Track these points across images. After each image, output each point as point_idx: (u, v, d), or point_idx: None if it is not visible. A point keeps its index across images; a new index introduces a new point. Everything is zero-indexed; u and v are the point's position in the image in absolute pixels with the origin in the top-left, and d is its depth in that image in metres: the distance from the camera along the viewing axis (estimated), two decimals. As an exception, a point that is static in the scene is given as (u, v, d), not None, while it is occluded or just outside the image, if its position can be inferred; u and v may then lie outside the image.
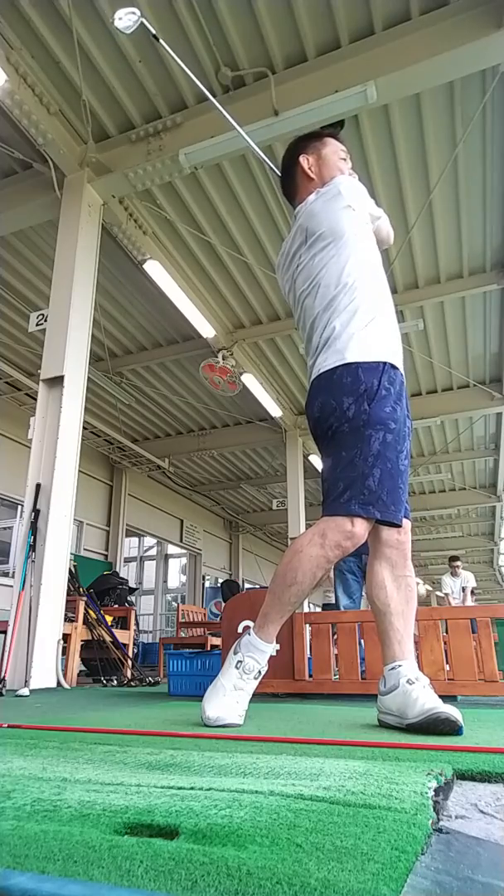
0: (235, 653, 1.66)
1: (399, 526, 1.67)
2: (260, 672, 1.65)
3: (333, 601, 6.63)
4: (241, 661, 1.64)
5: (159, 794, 0.78)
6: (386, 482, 1.59)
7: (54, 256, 4.70)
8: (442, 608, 3.54)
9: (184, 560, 14.69)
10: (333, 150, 2.03)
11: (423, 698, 1.50)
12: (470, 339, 7.59)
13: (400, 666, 1.62)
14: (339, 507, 1.60)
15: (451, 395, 8.93)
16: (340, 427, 1.65)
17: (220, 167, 5.05)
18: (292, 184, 2.04)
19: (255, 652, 1.64)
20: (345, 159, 2.03)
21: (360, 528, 1.59)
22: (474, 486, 12.87)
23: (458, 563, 9.51)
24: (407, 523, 1.74)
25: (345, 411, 1.63)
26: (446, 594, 9.30)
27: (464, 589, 9.22)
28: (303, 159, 2.00)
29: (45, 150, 4.61)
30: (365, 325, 1.70)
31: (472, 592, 9.39)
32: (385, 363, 1.67)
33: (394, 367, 1.69)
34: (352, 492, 1.59)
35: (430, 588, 9.58)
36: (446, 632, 2.79)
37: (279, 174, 2.10)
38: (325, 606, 6.79)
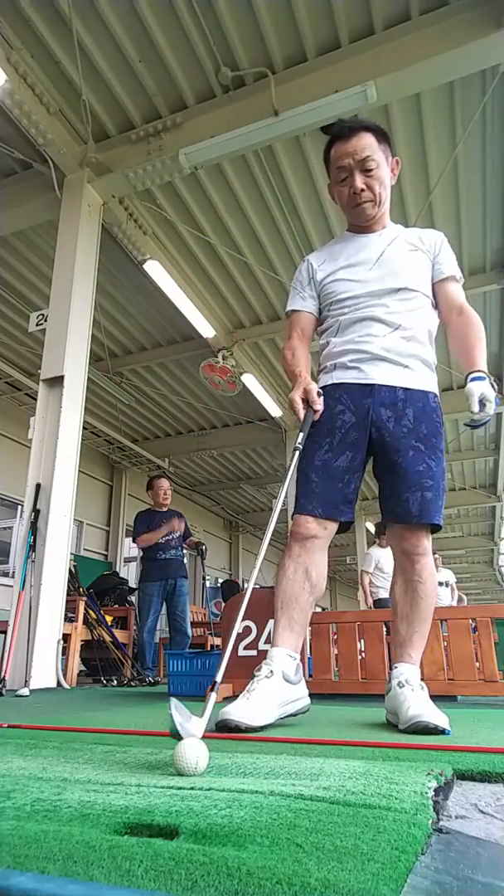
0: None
1: (304, 514, 1.80)
2: (271, 672, 1.66)
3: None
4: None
5: (159, 794, 0.78)
6: (300, 487, 1.84)
7: (54, 256, 4.70)
8: (442, 608, 3.53)
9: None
10: (332, 170, 1.91)
11: (408, 703, 1.55)
12: (470, 339, 7.58)
13: (395, 668, 1.71)
14: None
15: (450, 396, 8.88)
16: None
17: (220, 167, 5.05)
18: None
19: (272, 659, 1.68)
20: (344, 179, 1.87)
21: (295, 523, 1.82)
22: (474, 486, 12.87)
23: (437, 556, 9.49)
24: (417, 532, 1.75)
25: None
26: None
27: (447, 584, 9.18)
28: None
29: (45, 150, 4.61)
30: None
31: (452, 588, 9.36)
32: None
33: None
34: None
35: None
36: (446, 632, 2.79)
37: None
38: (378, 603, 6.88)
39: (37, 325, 4.77)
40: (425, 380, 1.84)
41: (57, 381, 4.26)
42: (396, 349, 1.81)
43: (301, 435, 1.80)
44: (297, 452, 1.78)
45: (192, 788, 0.81)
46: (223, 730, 1.44)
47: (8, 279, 6.45)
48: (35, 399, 4.60)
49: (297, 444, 1.79)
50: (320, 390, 1.83)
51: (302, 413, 1.80)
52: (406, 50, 3.94)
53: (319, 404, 1.80)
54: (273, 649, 1.68)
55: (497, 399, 1.70)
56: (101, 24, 4.01)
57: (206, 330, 6.91)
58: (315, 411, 1.80)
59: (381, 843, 0.57)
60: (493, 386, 1.70)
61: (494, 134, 4.81)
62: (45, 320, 4.61)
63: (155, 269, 5.84)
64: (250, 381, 7.88)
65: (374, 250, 1.91)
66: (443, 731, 1.41)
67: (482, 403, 1.66)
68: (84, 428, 4.78)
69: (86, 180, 4.72)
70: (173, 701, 1.08)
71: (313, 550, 1.78)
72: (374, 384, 1.79)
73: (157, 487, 5.25)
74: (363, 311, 1.85)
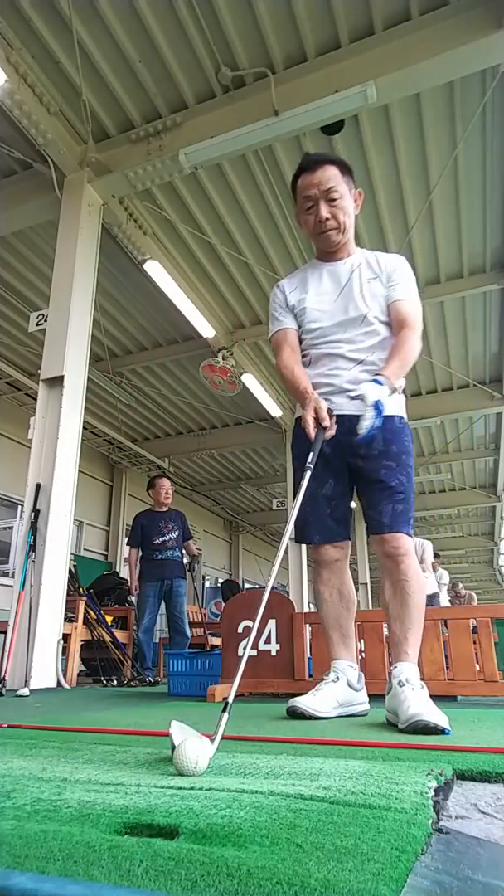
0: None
1: (306, 542, 2.01)
2: (337, 678, 1.95)
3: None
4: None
5: (159, 794, 0.78)
6: (296, 517, 1.89)
7: (54, 256, 4.70)
8: (442, 608, 3.55)
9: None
10: (299, 199, 2.01)
11: (408, 702, 1.56)
12: (470, 339, 7.59)
13: (395, 668, 1.75)
14: None
15: (451, 395, 8.92)
16: None
17: (220, 167, 5.05)
18: None
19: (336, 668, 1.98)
20: (310, 208, 1.97)
21: (315, 552, 2.03)
22: (474, 486, 12.87)
23: (436, 560, 9.45)
24: (395, 535, 1.85)
25: None
26: None
27: (442, 584, 9.15)
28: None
29: (45, 150, 4.61)
30: None
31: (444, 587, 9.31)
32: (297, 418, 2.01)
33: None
34: None
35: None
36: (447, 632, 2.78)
37: None
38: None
39: (37, 325, 4.77)
40: (390, 405, 1.88)
41: (57, 381, 4.26)
42: (361, 381, 1.88)
43: (312, 455, 1.79)
44: (308, 472, 1.77)
45: (192, 788, 0.81)
46: (292, 716, 1.78)
47: (8, 279, 6.45)
48: (35, 399, 4.60)
49: (307, 465, 1.78)
50: (331, 408, 1.85)
51: (313, 434, 1.81)
52: (406, 50, 3.94)
53: (328, 421, 1.81)
54: (336, 661, 1.97)
55: (380, 405, 1.72)
56: (101, 24, 4.01)
57: (206, 330, 6.91)
58: (324, 429, 1.81)
59: (381, 843, 0.57)
60: (385, 396, 1.73)
61: (494, 134, 4.81)
62: (45, 320, 4.61)
63: (155, 269, 5.84)
64: (250, 381, 7.88)
65: (338, 280, 2.02)
66: (443, 731, 1.41)
67: (359, 398, 1.72)
68: (84, 428, 4.78)
69: (86, 180, 4.71)
70: (175, 724, 1.08)
71: (339, 572, 2.01)
72: (343, 414, 1.87)
73: (159, 487, 5.25)
74: (329, 348, 1.97)
